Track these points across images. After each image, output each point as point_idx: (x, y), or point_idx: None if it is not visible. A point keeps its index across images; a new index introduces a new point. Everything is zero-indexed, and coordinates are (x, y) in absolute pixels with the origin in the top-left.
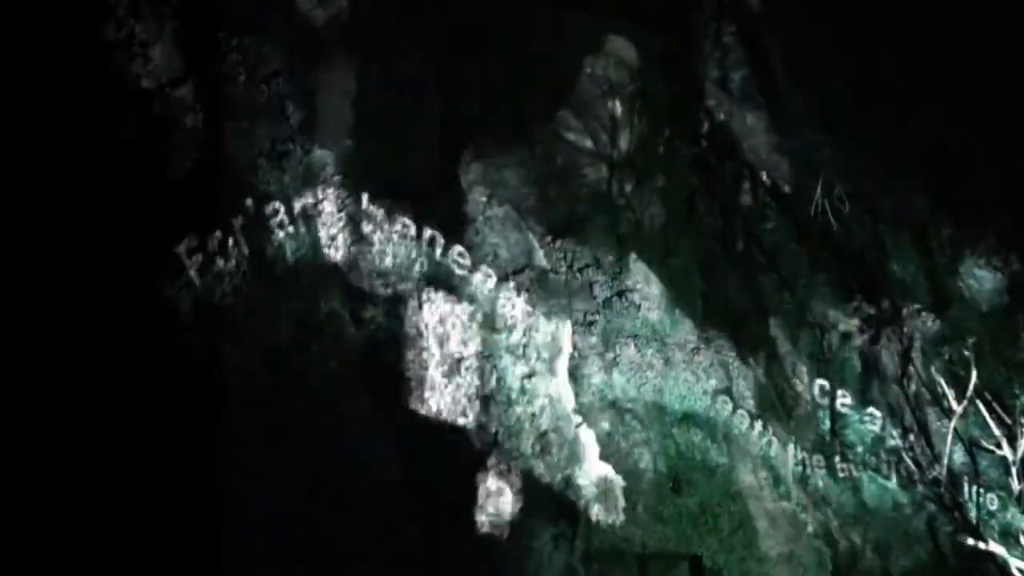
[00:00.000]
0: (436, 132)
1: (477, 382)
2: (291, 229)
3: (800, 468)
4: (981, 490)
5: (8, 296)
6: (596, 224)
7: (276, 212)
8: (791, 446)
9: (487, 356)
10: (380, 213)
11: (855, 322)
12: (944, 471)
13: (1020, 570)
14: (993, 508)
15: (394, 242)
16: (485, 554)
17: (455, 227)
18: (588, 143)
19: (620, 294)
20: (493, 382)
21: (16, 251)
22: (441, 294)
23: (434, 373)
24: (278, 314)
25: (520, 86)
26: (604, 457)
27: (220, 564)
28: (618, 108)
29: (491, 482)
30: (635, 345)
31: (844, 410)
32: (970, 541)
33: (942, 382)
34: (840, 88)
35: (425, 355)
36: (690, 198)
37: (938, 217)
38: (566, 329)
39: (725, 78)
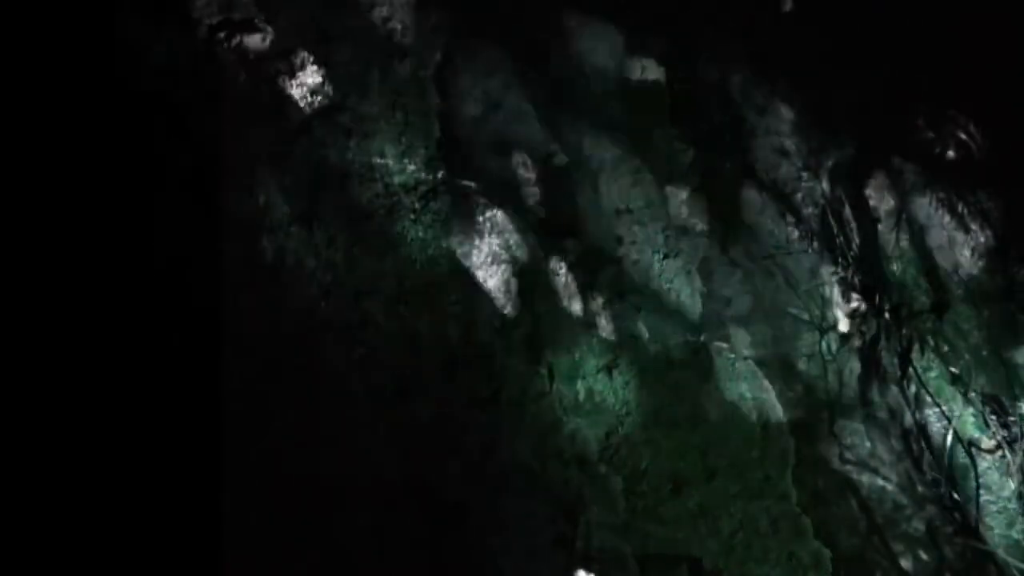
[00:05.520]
0: (436, 131)
1: (477, 383)
2: (291, 230)
3: (800, 469)
4: (981, 491)
5: (5, 301)
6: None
7: (276, 213)
8: (791, 446)
9: (488, 356)
10: (380, 213)
11: (855, 323)
12: (944, 472)
13: (1020, 571)
14: (993, 509)
15: (394, 242)
16: (485, 554)
17: (454, 226)
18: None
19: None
20: (493, 383)
21: (14, 256)
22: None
23: (434, 374)
24: (278, 316)
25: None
26: (603, 459)
27: (219, 564)
28: (618, 106)
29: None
30: (635, 346)
31: (844, 411)
32: (970, 541)
33: (942, 382)
34: (841, 89)
35: (425, 355)
36: (690, 198)
37: (938, 217)
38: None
39: (725, 79)
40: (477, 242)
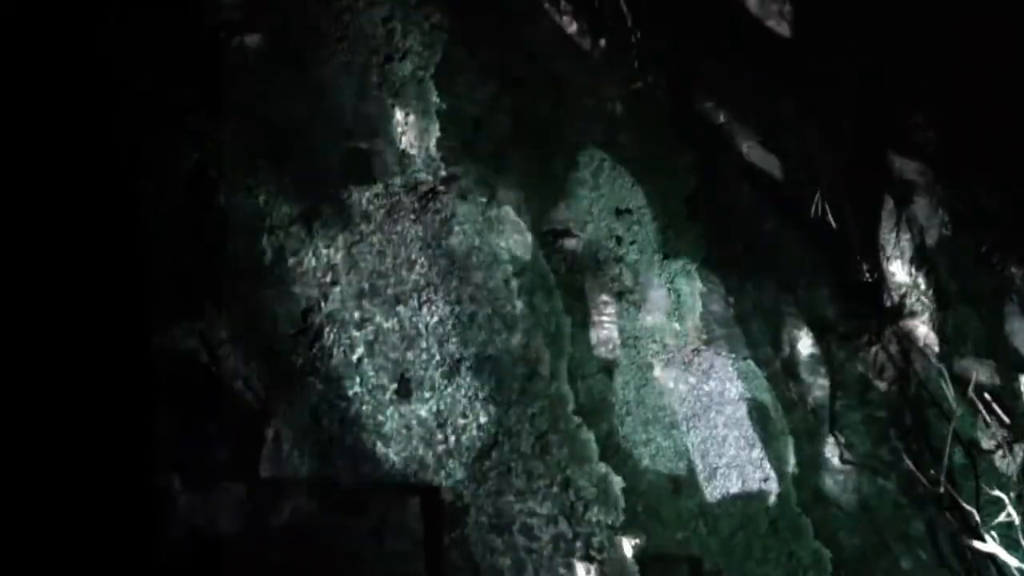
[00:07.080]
0: (437, 131)
1: (477, 383)
2: (291, 229)
3: (800, 469)
4: (981, 490)
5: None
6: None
7: (276, 212)
8: (791, 447)
9: (488, 357)
10: (381, 213)
11: (855, 323)
12: (944, 471)
13: (1020, 571)
14: (993, 509)
15: (394, 243)
16: (485, 554)
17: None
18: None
19: (620, 295)
20: (492, 383)
21: (12, 255)
22: (440, 294)
23: (434, 374)
24: (277, 315)
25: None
26: (604, 458)
27: (219, 562)
28: (618, 107)
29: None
30: (635, 346)
31: (844, 411)
32: (970, 541)
33: (942, 383)
34: (841, 89)
35: (425, 355)
36: (690, 198)
37: (938, 217)
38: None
39: (724, 78)
40: (477, 242)
